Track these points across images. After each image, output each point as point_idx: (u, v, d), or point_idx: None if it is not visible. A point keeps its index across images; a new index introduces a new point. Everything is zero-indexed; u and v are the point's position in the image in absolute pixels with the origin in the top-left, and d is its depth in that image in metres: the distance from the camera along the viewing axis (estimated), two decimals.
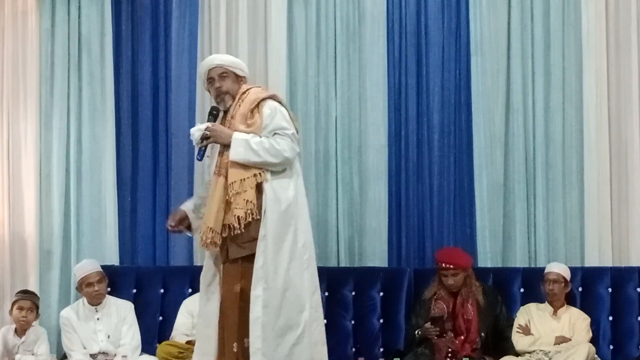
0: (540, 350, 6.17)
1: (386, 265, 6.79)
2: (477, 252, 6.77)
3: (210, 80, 5.19)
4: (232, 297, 5.04)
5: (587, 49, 6.74)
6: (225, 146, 5.06)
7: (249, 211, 5.00)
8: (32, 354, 6.32)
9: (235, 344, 5.01)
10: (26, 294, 6.43)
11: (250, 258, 5.02)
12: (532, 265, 6.75)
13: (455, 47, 6.89)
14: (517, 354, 6.20)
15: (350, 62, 6.91)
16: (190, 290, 6.67)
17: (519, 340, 6.25)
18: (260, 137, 5.06)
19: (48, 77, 7.00)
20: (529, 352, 6.19)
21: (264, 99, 5.16)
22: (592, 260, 6.68)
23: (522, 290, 6.62)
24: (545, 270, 6.38)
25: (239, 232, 4.99)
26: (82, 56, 7.02)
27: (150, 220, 7.02)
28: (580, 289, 6.57)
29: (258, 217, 5.01)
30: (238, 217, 4.98)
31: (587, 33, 6.75)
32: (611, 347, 6.49)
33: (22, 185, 6.98)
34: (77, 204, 6.95)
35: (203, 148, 5.10)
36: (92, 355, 6.28)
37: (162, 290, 6.76)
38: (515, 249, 6.79)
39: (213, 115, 5.18)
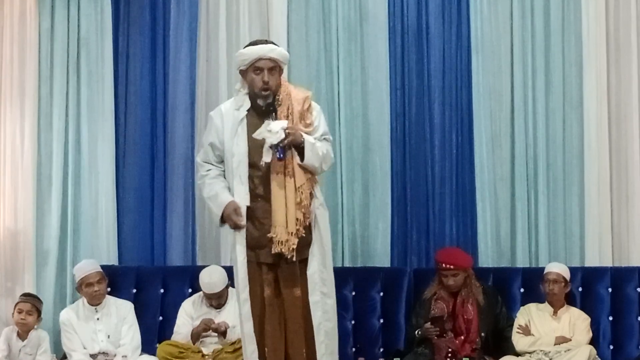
0: (541, 351, 6.17)
1: (389, 265, 6.80)
2: (477, 252, 6.77)
3: (257, 69, 5.10)
4: (294, 301, 5.09)
5: (587, 49, 6.75)
6: (291, 147, 5.05)
7: (307, 214, 5.08)
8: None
9: (304, 350, 5.09)
10: (27, 296, 6.43)
11: (303, 262, 5.12)
12: (533, 265, 6.75)
13: (456, 47, 6.89)
14: (517, 354, 6.20)
15: (352, 62, 6.91)
16: (190, 290, 6.67)
17: (519, 340, 6.25)
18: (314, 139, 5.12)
19: (47, 77, 6.99)
20: (529, 353, 6.19)
21: (309, 98, 5.21)
22: (592, 260, 6.69)
23: (522, 290, 6.62)
24: (545, 271, 6.38)
25: (302, 234, 5.06)
26: (81, 56, 7.01)
27: (147, 220, 7.00)
28: (580, 289, 6.57)
29: (310, 221, 5.11)
30: (300, 220, 5.05)
31: (587, 33, 6.76)
32: (611, 347, 6.49)
33: (18, 184, 6.97)
34: (74, 204, 6.95)
35: (283, 147, 5.00)
36: (92, 356, 6.28)
37: (162, 290, 6.75)
38: (516, 249, 6.80)
39: (275, 111, 5.10)
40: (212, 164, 5.25)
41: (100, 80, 7.00)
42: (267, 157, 5.05)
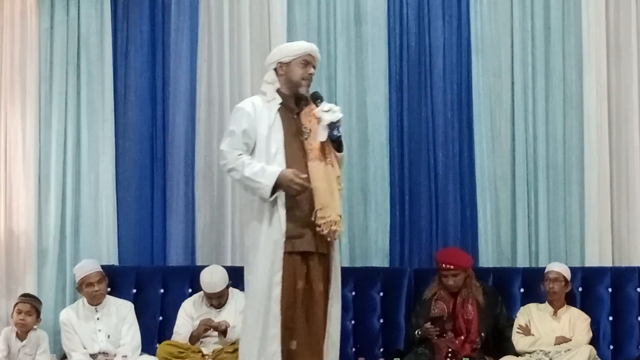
0: (541, 351, 6.17)
1: (387, 265, 6.79)
2: (477, 252, 6.76)
3: (306, 62, 5.21)
4: (319, 296, 5.10)
5: (588, 49, 6.75)
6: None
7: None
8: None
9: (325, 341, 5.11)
10: (26, 297, 6.43)
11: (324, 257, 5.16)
12: (533, 265, 6.75)
13: (456, 47, 6.88)
14: (517, 354, 6.20)
15: (351, 62, 6.90)
16: (190, 290, 6.66)
17: (519, 340, 6.26)
18: None
19: (47, 77, 6.98)
20: (529, 353, 6.19)
21: None
22: (592, 260, 6.69)
23: (522, 290, 6.62)
24: (546, 270, 6.39)
25: None
26: (80, 56, 7.01)
27: (147, 220, 6.99)
28: (580, 289, 6.58)
29: None
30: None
31: (587, 33, 6.76)
32: (611, 347, 6.49)
33: (19, 185, 6.96)
34: (75, 204, 6.94)
35: (339, 126, 5.14)
36: (92, 355, 6.28)
37: (162, 290, 6.74)
38: (516, 249, 6.79)
39: (322, 98, 5.25)
40: (241, 151, 5.17)
41: (100, 80, 6.99)
42: (322, 136, 5.11)
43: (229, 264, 6.76)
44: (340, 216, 5.08)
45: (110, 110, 6.99)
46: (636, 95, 6.77)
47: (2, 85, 7.02)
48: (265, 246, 5.08)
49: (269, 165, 5.07)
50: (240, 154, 5.13)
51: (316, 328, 5.08)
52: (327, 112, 5.11)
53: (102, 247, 6.90)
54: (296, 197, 5.05)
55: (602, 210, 6.71)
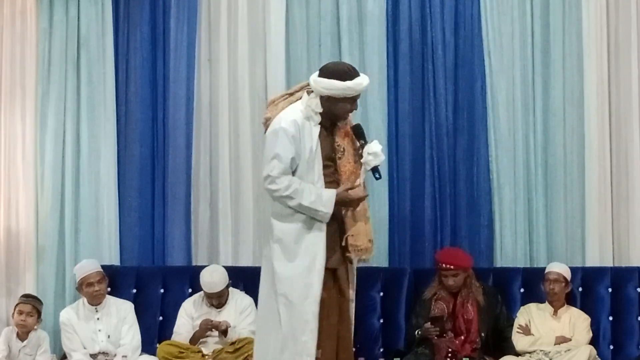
0: (541, 350, 6.18)
1: (387, 265, 6.80)
2: (476, 253, 6.75)
3: (354, 100, 5.10)
4: (348, 304, 5.15)
5: (588, 48, 6.75)
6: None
7: None
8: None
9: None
10: (28, 298, 6.43)
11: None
12: (532, 265, 6.75)
13: (457, 47, 6.87)
14: (517, 354, 6.21)
15: (351, 61, 6.89)
16: (190, 290, 6.67)
17: (519, 340, 6.26)
18: None
19: (45, 77, 6.97)
20: (529, 352, 6.20)
21: None
22: (592, 260, 6.69)
23: (522, 290, 6.63)
24: (546, 270, 6.40)
25: None
26: (80, 56, 6.99)
27: (148, 220, 6.98)
28: (580, 289, 6.58)
29: None
30: None
31: (587, 33, 6.75)
32: (611, 347, 6.50)
33: (19, 184, 6.96)
34: (75, 203, 6.93)
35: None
36: (92, 356, 6.29)
37: (162, 290, 6.75)
38: (516, 249, 6.79)
39: (363, 135, 5.19)
40: (289, 174, 5.08)
41: (102, 80, 6.98)
42: (362, 178, 5.15)
43: (228, 264, 6.77)
44: (371, 240, 5.10)
45: (111, 110, 6.98)
46: (636, 94, 6.76)
47: (2, 84, 7.02)
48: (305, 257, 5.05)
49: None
50: (291, 180, 5.03)
51: (347, 335, 5.13)
52: (371, 154, 5.05)
53: (103, 247, 6.90)
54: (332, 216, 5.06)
55: (602, 210, 6.71)
